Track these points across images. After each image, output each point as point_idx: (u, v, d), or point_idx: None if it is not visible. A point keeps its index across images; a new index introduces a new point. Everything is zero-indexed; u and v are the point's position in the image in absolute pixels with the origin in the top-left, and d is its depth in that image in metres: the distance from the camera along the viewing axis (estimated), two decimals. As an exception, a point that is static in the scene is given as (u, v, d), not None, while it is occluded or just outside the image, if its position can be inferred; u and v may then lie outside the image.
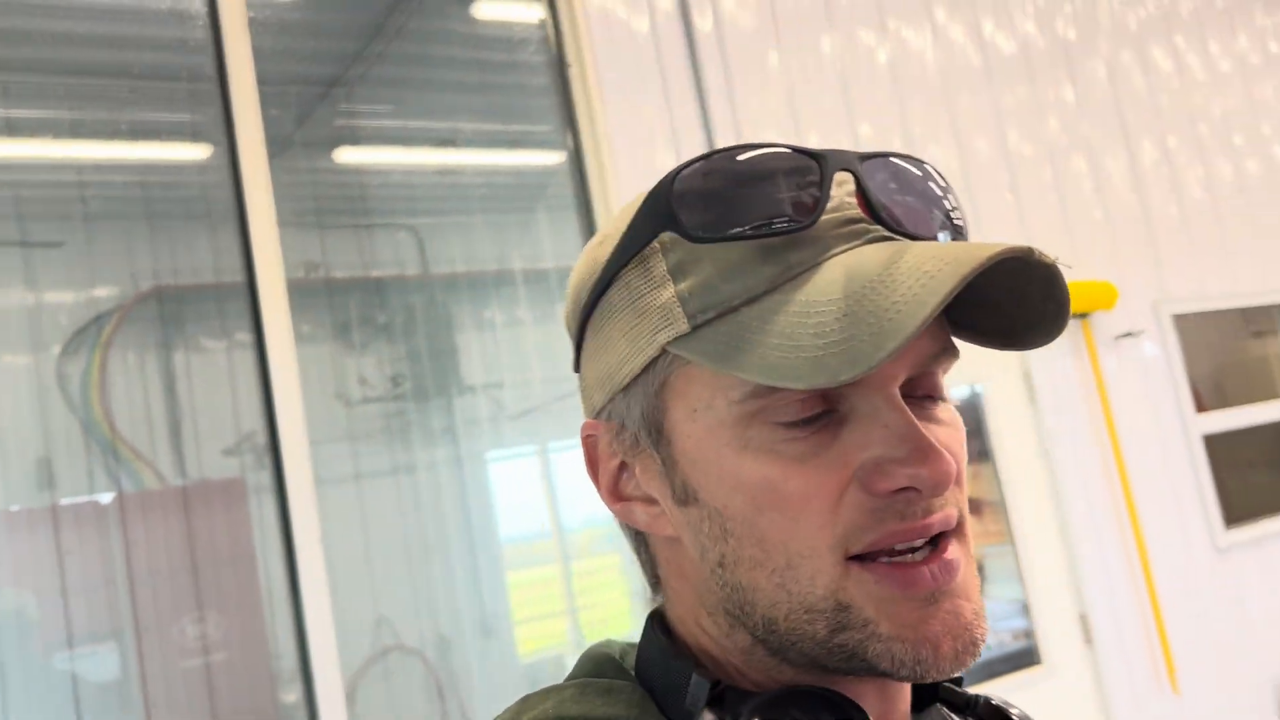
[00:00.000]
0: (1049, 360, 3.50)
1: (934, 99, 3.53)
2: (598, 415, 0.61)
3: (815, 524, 0.53)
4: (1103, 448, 3.55)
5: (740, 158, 0.55)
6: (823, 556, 0.53)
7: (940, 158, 3.48)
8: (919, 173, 0.58)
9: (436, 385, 2.88)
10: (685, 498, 0.57)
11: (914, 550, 0.53)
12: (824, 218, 0.54)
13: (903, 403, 0.54)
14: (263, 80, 2.54)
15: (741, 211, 0.53)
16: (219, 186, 2.54)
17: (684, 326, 0.54)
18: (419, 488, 2.82)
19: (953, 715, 0.65)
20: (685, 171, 0.55)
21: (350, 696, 2.53)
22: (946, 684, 0.65)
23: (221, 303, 2.59)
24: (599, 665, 0.62)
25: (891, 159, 0.57)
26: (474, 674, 2.77)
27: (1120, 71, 4.13)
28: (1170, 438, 3.76)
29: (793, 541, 0.53)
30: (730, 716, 0.54)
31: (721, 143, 3.03)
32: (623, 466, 0.61)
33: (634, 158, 2.90)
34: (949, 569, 0.53)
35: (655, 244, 0.56)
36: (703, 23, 3.12)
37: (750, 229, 0.53)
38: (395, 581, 2.76)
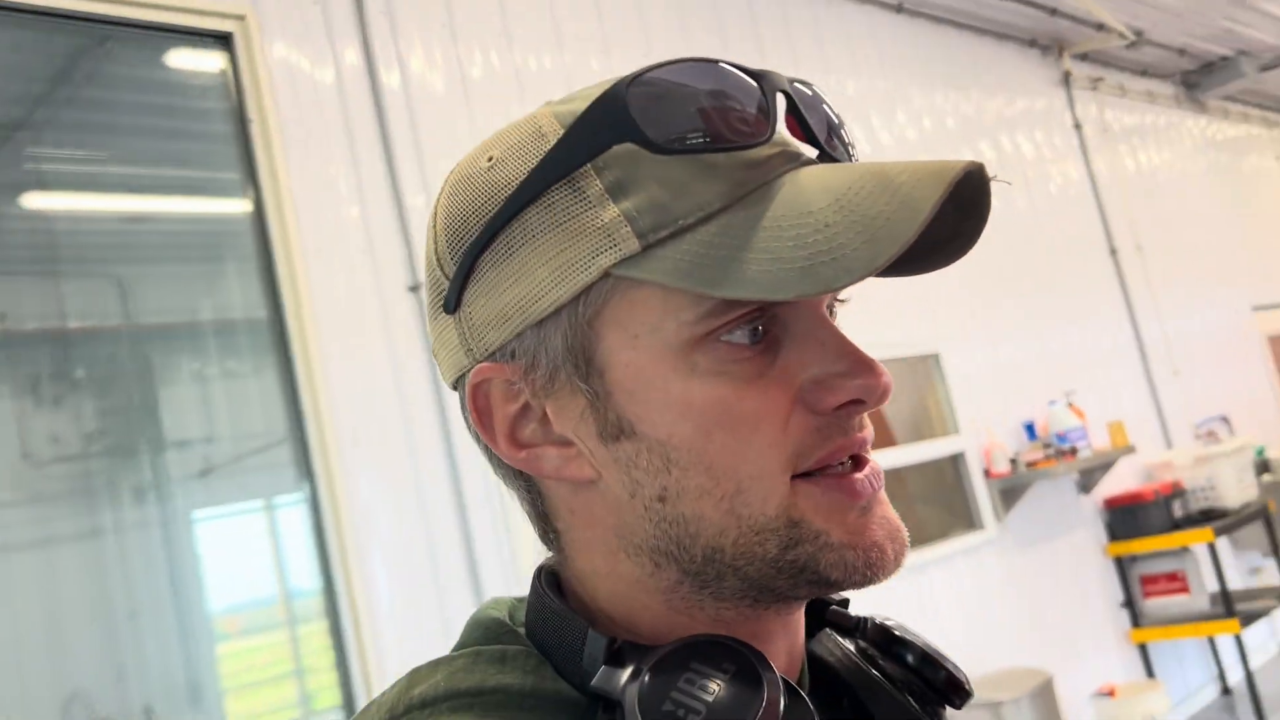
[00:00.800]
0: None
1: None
2: (492, 356, 0.56)
3: (766, 443, 0.52)
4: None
5: (692, 71, 0.53)
6: (775, 476, 0.52)
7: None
8: (812, 94, 0.58)
9: (137, 442, 2.78)
10: (618, 432, 0.54)
11: (842, 464, 0.54)
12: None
13: (831, 320, 0.56)
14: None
15: (700, 124, 0.52)
16: None
17: (634, 246, 0.51)
18: (118, 550, 2.69)
19: (841, 639, 0.65)
20: (636, 83, 0.52)
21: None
22: (835, 607, 0.66)
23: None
24: (489, 631, 0.59)
25: (801, 84, 0.57)
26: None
27: (793, 142, 4.50)
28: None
29: (744, 464, 0.52)
30: (630, 672, 0.52)
31: (410, 201, 3.11)
32: (524, 411, 0.56)
33: (319, 212, 2.93)
34: (878, 477, 0.55)
35: (586, 165, 0.53)
36: (390, 80, 3.20)
37: (709, 142, 0.52)
38: (92, 652, 2.62)
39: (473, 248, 0.55)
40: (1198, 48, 6.95)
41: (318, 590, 2.80)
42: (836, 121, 0.58)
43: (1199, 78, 7.36)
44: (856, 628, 0.66)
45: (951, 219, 0.54)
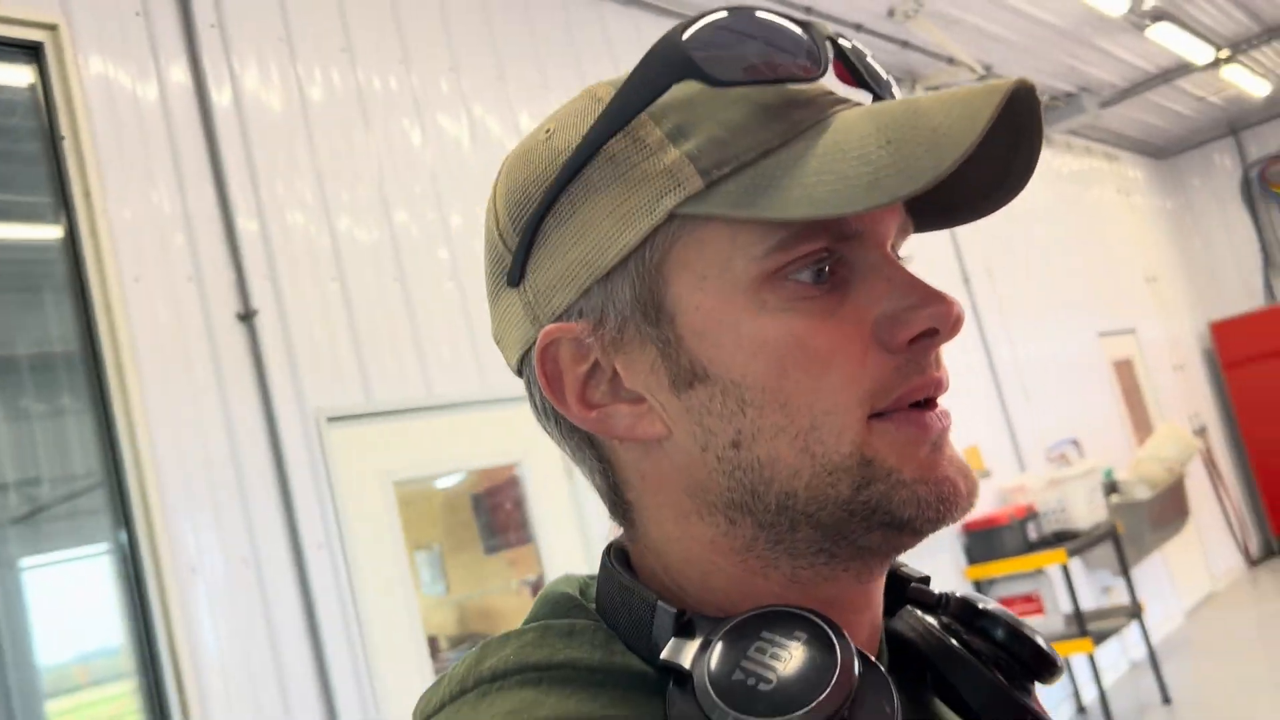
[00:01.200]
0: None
1: (473, 190, 3.62)
2: (560, 319, 0.55)
3: (842, 379, 0.52)
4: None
5: (741, 15, 0.54)
6: (850, 412, 0.52)
7: (481, 250, 3.56)
8: (853, 46, 0.58)
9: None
10: (690, 378, 0.53)
11: (915, 404, 0.54)
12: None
13: (897, 260, 0.55)
14: None
15: (755, 61, 0.53)
16: None
17: (697, 184, 0.51)
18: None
19: (924, 615, 0.63)
20: (694, 24, 0.53)
21: None
22: (916, 584, 0.65)
23: None
24: (558, 606, 0.58)
25: (844, 37, 0.58)
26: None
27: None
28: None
29: (819, 400, 0.52)
30: (699, 644, 0.51)
31: (243, 226, 2.93)
32: (593, 371, 0.56)
33: (139, 238, 2.73)
34: (946, 415, 0.55)
35: (644, 115, 0.53)
36: (221, 98, 3.02)
37: (765, 79, 0.53)
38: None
39: (535, 214, 0.56)
40: (1043, 83, 7.21)
41: (134, 648, 2.58)
42: (885, 76, 0.59)
43: (1044, 112, 7.62)
44: (939, 604, 0.64)
45: (1003, 153, 0.55)
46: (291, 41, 3.26)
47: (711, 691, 0.48)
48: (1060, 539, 5.35)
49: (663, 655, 0.52)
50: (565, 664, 0.53)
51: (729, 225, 0.52)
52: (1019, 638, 0.62)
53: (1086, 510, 5.45)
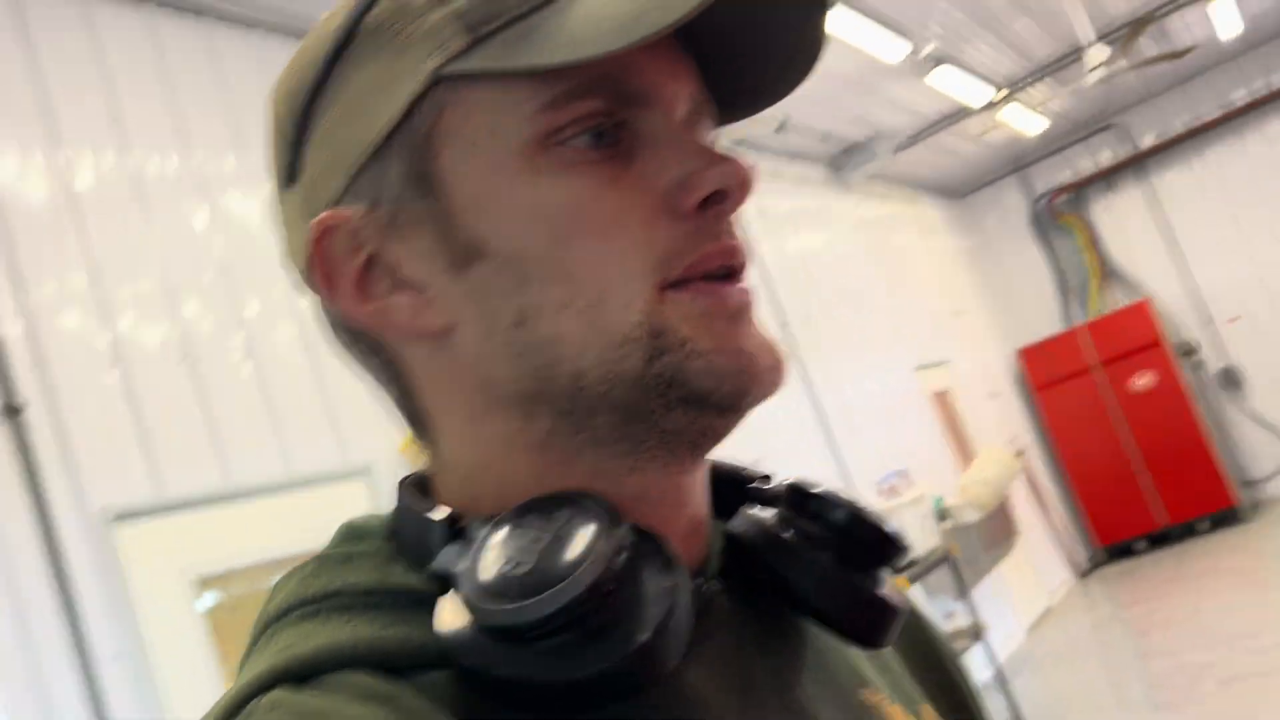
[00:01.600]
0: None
1: (269, 273, 3.45)
2: (333, 208, 0.53)
3: (628, 246, 0.50)
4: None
5: None
6: (639, 279, 0.50)
7: (287, 337, 3.39)
8: None
9: None
10: (468, 256, 0.51)
11: (715, 276, 0.52)
12: None
13: (691, 132, 0.53)
14: None
15: None
16: None
17: (461, 42, 0.49)
18: None
19: (759, 512, 0.59)
20: None
21: None
22: (755, 485, 0.61)
23: None
24: (339, 536, 0.56)
25: None
26: None
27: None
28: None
29: (605, 268, 0.49)
30: (466, 545, 0.49)
31: (6, 331, 2.70)
32: (370, 264, 0.53)
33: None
34: (748, 291, 0.53)
35: None
36: (-27, 190, 2.80)
37: None
38: None
39: (305, 100, 0.53)
40: (839, 132, 7.49)
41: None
42: None
43: (843, 160, 7.92)
44: (777, 499, 0.61)
45: (797, 22, 0.54)
46: (56, 122, 3.05)
47: (468, 588, 0.46)
48: (899, 568, 5.43)
49: (431, 565, 0.50)
50: (340, 591, 0.51)
51: (498, 86, 0.50)
52: (858, 520, 0.58)
53: (920, 536, 5.56)
